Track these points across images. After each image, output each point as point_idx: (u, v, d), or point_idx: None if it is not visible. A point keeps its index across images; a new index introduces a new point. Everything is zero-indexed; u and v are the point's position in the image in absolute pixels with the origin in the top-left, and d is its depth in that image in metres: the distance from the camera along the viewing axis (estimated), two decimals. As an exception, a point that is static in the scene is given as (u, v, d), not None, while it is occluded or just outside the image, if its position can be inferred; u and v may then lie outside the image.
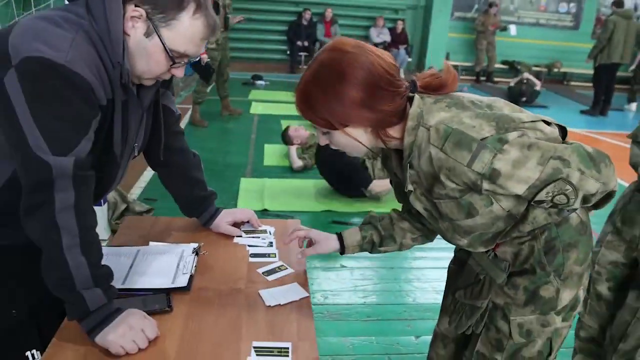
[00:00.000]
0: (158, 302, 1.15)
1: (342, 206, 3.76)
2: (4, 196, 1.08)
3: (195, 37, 1.04)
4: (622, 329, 1.58)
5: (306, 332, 1.11)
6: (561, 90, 10.51)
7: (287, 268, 1.36)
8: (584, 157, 0.98)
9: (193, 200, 1.49)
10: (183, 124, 5.14)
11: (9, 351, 1.25)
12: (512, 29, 10.59)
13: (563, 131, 1.11)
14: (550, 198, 0.98)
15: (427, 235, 1.34)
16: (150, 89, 1.17)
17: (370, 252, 1.35)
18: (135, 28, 1.02)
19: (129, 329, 1.01)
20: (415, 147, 1.05)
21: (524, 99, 8.08)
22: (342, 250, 1.36)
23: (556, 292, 1.12)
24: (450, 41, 10.59)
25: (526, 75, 8.53)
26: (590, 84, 8.80)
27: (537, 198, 0.99)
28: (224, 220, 1.50)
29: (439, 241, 1.31)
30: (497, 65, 10.60)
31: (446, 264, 1.43)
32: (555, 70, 11.03)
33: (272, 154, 4.94)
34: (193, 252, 1.36)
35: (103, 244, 1.11)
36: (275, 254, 1.42)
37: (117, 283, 1.11)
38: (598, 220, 1.49)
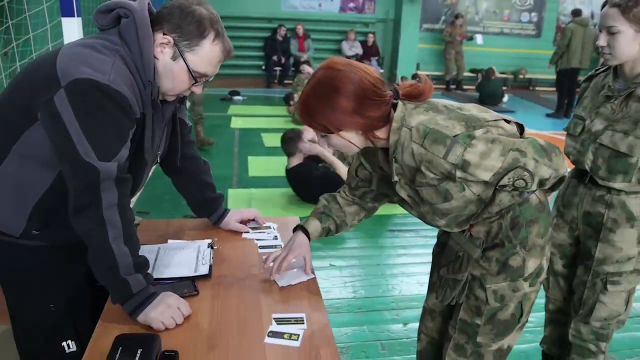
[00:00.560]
0: (186, 287, 1.32)
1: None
2: (48, 200, 1.25)
3: (214, 60, 1.25)
4: (579, 298, 1.82)
5: (316, 305, 1.30)
6: (527, 95, 10.97)
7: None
8: (537, 149, 1.20)
9: (204, 201, 1.67)
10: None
11: (47, 342, 1.40)
12: (479, 38, 11.03)
13: (521, 128, 1.34)
14: (511, 182, 1.20)
15: (371, 212, 1.57)
16: (171, 104, 1.36)
17: (326, 236, 1.54)
18: (164, 53, 1.21)
19: (167, 307, 1.18)
20: (399, 145, 1.26)
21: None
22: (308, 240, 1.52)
23: (523, 262, 1.34)
24: (420, 52, 10.97)
25: None
26: (554, 89, 9.26)
27: (501, 183, 1.21)
28: (232, 219, 1.68)
29: (420, 239, 1.52)
30: (466, 74, 11.02)
31: (428, 259, 1.63)
32: (521, 76, 11.49)
33: (256, 165, 5.12)
34: (209, 247, 1.54)
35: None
36: (281, 245, 1.61)
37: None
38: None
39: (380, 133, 1.28)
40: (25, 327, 1.40)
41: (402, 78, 9.56)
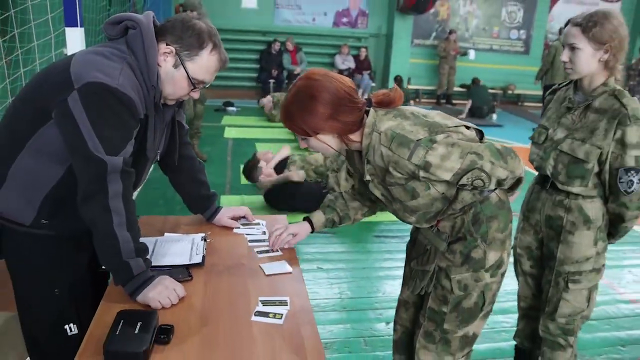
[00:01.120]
0: (181, 273, 1.46)
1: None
2: (57, 192, 1.38)
3: (211, 68, 1.40)
4: (545, 296, 1.96)
5: (299, 290, 1.44)
6: (516, 110, 11.22)
7: (278, 250, 1.68)
8: (494, 152, 1.36)
9: (199, 198, 1.81)
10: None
11: (51, 326, 1.51)
12: (471, 54, 11.29)
13: (481, 134, 1.49)
14: (470, 182, 1.36)
15: (372, 210, 1.72)
16: (170, 108, 1.51)
17: (331, 228, 1.72)
18: (167, 61, 1.36)
19: (164, 288, 1.32)
20: (371, 148, 1.41)
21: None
22: (312, 230, 1.71)
23: (484, 254, 1.48)
24: (411, 66, 11.20)
25: None
26: (542, 104, 9.50)
27: (461, 182, 1.36)
28: (224, 215, 1.82)
29: (404, 245, 1.69)
30: (456, 89, 11.26)
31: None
32: (510, 92, 11.75)
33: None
34: (202, 239, 1.67)
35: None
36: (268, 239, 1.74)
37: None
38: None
39: (354, 137, 1.43)
40: (31, 311, 1.51)
41: (397, 78, 9.80)
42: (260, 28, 10.60)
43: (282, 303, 1.36)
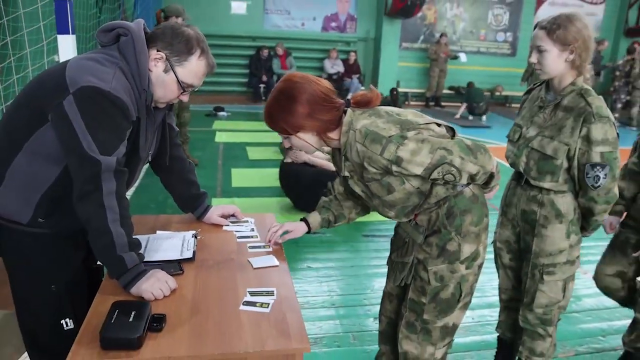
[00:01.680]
0: (172, 267, 1.53)
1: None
2: (53, 192, 1.45)
3: (200, 73, 1.48)
4: (524, 288, 2.04)
5: (285, 282, 1.51)
6: (504, 112, 11.37)
7: (267, 246, 1.75)
8: (463, 148, 1.45)
9: (189, 197, 1.88)
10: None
11: (48, 320, 1.57)
12: (462, 57, 11.44)
13: (452, 131, 1.58)
14: (441, 176, 1.44)
15: (365, 209, 1.79)
16: (161, 110, 1.59)
17: (327, 228, 1.80)
18: (157, 66, 1.44)
19: (156, 281, 1.39)
20: (348, 145, 1.49)
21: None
22: (309, 230, 1.78)
23: (458, 246, 1.56)
24: (399, 69, 11.34)
25: None
26: (528, 106, 9.65)
27: (432, 177, 1.45)
28: (214, 213, 1.90)
29: None
30: (445, 91, 11.41)
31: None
32: (498, 94, 11.91)
33: (239, 176, 5.33)
34: (193, 236, 1.74)
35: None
36: (257, 235, 1.82)
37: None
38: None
39: (333, 135, 1.52)
40: (29, 307, 1.57)
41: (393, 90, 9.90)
42: (250, 33, 10.69)
43: (269, 293, 1.44)
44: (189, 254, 1.61)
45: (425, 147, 1.41)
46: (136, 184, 4.75)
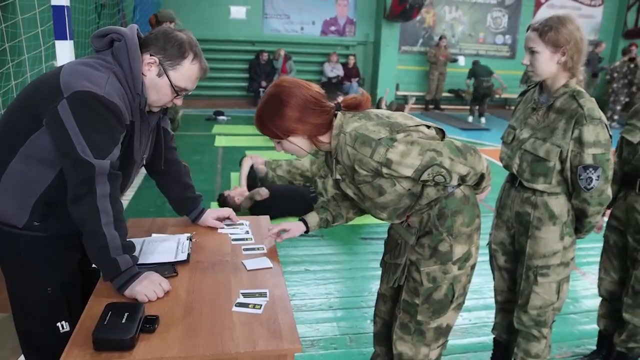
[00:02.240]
0: (167, 269, 1.54)
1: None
2: (48, 195, 1.47)
3: (193, 76, 1.50)
4: (518, 290, 2.05)
5: (278, 284, 1.53)
6: (503, 114, 11.39)
7: (262, 248, 1.77)
8: (453, 149, 1.46)
9: (185, 200, 1.89)
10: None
11: (44, 323, 1.59)
12: (461, 60, 11.45)
13: (442, 132, 1.59)
14: (431, 178, 1.45)
15: (360, 210, 1.80)
16: (155, 114, 1.60)
17: (325, 228, 1.81)
18: (151, 71, 1.46)
19: (150, 283, 1.40)
20: (339, 148, 1.51)
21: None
22: (307, 230, 1.80)
23: (450, 247, 1.57)
24: (399, 73, 11.37)
25: None
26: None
27: (422, 178, 1.46)
28: (209, 216, 1.91)
29: None
30: (444, 94, 11.42)
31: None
32: (497, 96, 11.93)
33: (238, 180, 5.33)
34: (188, 239, 1.76)
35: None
36: (251, 238, 1.84)
37: (134, 258, 1.49)
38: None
39: (324, 138, 1.53)
40: (25, 309, 1.59)
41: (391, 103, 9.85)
42: (250, 38, 10.74)
43: (262, 295, 1.45)
44: (183, 257, 1.62)
45: (415, 148, 1.43)
46: (135, 188, 4.79)
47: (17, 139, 1.41)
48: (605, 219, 2.31)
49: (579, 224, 1.95)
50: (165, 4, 9.03)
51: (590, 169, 1.77)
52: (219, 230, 1.89)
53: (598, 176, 1.77)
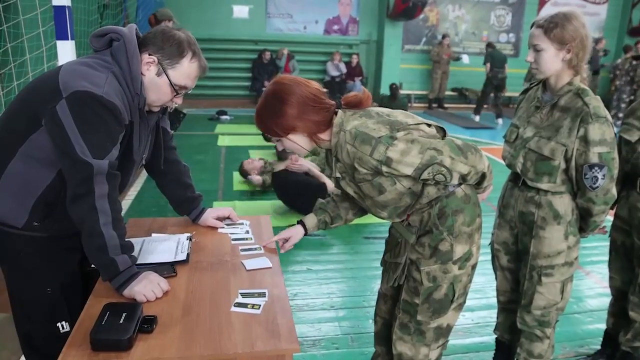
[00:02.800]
0: (166, 269, 1.54)
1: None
2: (48, 196, 1.46)
3: (192, 75, 1.50)
4: (522, 290, 2.03)
5: (277, 283, 1.52)
6: (507, 112, 11.31)
7: (261, 248, 1.76)
8: (453, 148, 1.45)
9: (185, 200, 1.89)
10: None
11: (44, 323, 1.59)
12: (465, 58, 11.42)
13: (443, 131, 1.58)
14: (432, 177, 1.44)
15: (362, 210, 1.78)
16: (154, 114, 1.60)
17: (324, 229, 1.79)
18: (149, 70, 1.45)
19: (149, 282, 1.40)
20: (339, 146, 1.50)
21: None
22: (305, 232, 1.79)
23: (451, 247, 1.56)
24: (402, 72, 11.35)
25: None
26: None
27: (423, 177, 1.45)
28: (210, 216, 1.91)
29: None
30: (448, 92, 11.39)
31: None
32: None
33: (241, 180, 5.34)
34: (188, 239, 1.75)
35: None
36: (251, 238, 1.83)
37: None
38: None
39: (324, 136, 1.52)
40: (25, 309, 1.59)
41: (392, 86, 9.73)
42: (253, 37, 10.75)
43: (261, 295, 1.44)
44: (182, 257, 1.62)
45: (415, 147, 1.42)
46: (138, 187, 4.79)
47: (17, 139, 1.41)
48: (610, 218, 2.30)
49: (584, 223, 1.93)
50: (167, 3, 9.04)
51: (596, 168, 1.75)
52: (219, 230, 1.89)
53: (604, 175, 1.75)
